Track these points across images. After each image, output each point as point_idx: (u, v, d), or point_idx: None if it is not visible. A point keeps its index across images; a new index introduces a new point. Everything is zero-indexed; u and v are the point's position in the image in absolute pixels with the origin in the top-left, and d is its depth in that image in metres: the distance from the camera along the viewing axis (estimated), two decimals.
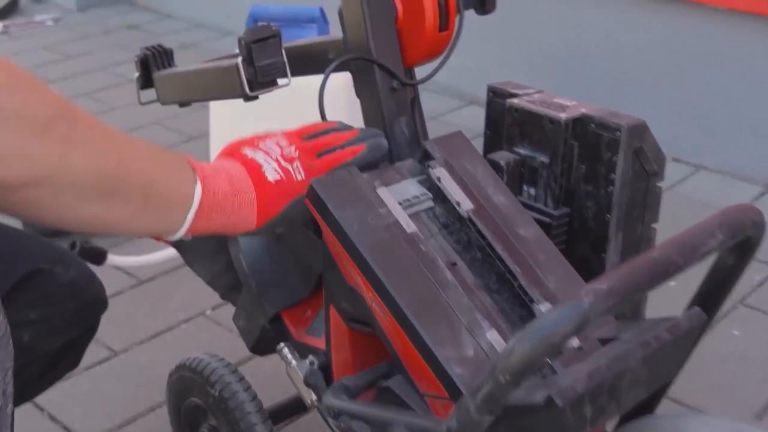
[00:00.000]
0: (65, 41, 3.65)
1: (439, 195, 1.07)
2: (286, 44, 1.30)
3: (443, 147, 1.10)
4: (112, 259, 1.91)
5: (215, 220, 0.98)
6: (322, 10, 2.19)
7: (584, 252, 1.16)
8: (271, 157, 1.03)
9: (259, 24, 2.27)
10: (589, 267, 1.15)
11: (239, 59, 1.19)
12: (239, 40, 1.19)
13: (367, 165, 1.08)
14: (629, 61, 2.73)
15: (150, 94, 1.43)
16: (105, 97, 3.15)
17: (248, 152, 1.04)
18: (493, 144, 1.23)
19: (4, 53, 3.50)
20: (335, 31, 1.26)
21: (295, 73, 1.32)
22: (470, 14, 1.23)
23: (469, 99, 3.03)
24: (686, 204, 2.37)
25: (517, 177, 1.17)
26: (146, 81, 1.42)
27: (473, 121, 2.59)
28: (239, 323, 1.30)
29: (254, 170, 1.02)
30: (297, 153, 1.05)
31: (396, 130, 1.19)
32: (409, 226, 1.01)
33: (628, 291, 0.75)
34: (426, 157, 1.10)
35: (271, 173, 1.02)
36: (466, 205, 1.05)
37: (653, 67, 2.69)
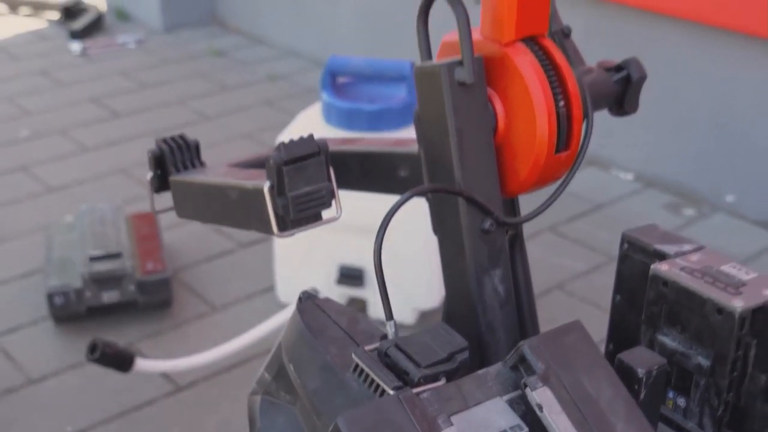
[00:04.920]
0: (144, 67, 3.36)
1: (539, 430, 0.70)
2: (336, 147, 0.95)
3: (549, 350, 0.73)
4: (142, 364, 1.59)
5: None
6: (413, 66, 1.80)
7: None
8: None
9: (338, 80, 1.82)
10: None
11: (266, 185, 0.85)
12: (267, 160, 0.84)
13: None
14: None
15: (168, 198, 1.10)
16: None
17: None
18: (623, 318, 0.86)
19: (78, 78, 3.24)
20: None
21: (351, 187, 0.99)
22: None
23: (588, 161, 2.61)
24: None
25: (662, 383, 0.79)
26: (161, 183, 1.08)
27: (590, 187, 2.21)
28: None
29: None
30: None
31: (486, 291, 0.84)
32: None
33: None
34: (522, 362, 0.72)
35: None
36: None
37: None
